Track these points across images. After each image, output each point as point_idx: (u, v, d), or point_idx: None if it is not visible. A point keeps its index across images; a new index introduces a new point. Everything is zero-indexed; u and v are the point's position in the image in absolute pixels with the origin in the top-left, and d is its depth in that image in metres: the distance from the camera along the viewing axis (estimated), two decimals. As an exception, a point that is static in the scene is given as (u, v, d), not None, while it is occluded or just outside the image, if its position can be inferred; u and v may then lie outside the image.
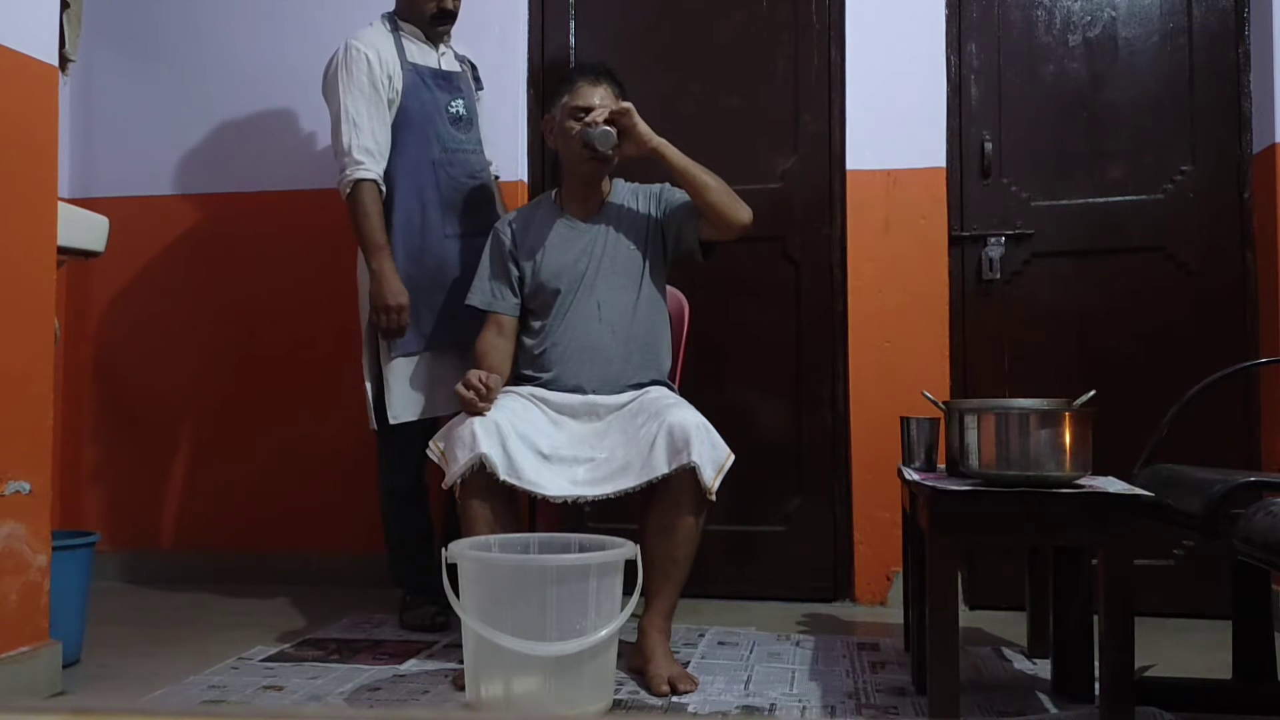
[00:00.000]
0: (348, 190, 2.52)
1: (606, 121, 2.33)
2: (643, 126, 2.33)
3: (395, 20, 2.66)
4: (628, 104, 2.34)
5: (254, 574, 3.22)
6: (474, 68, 2.83)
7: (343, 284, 3.22)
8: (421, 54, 2.66)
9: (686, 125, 3.09)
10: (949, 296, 2.91)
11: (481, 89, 2.83)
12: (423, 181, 2.58)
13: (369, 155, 2.51)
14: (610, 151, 2.34)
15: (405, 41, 2.64)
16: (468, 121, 2.68)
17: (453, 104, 2.64)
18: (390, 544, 2.71)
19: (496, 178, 2.83)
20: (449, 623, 2.53)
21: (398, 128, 2.57)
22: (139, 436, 3.37)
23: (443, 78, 2.66)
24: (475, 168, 2.68)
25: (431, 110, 2.60)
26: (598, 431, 2.28)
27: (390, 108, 2.56)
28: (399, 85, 2.56)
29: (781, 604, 2.91)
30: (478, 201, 2.68)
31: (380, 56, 2.55)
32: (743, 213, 2.34)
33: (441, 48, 2.71)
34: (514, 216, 2.51)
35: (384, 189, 2.55)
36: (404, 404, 2.57)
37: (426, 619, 2.57)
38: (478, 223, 2.65)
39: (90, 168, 3.42)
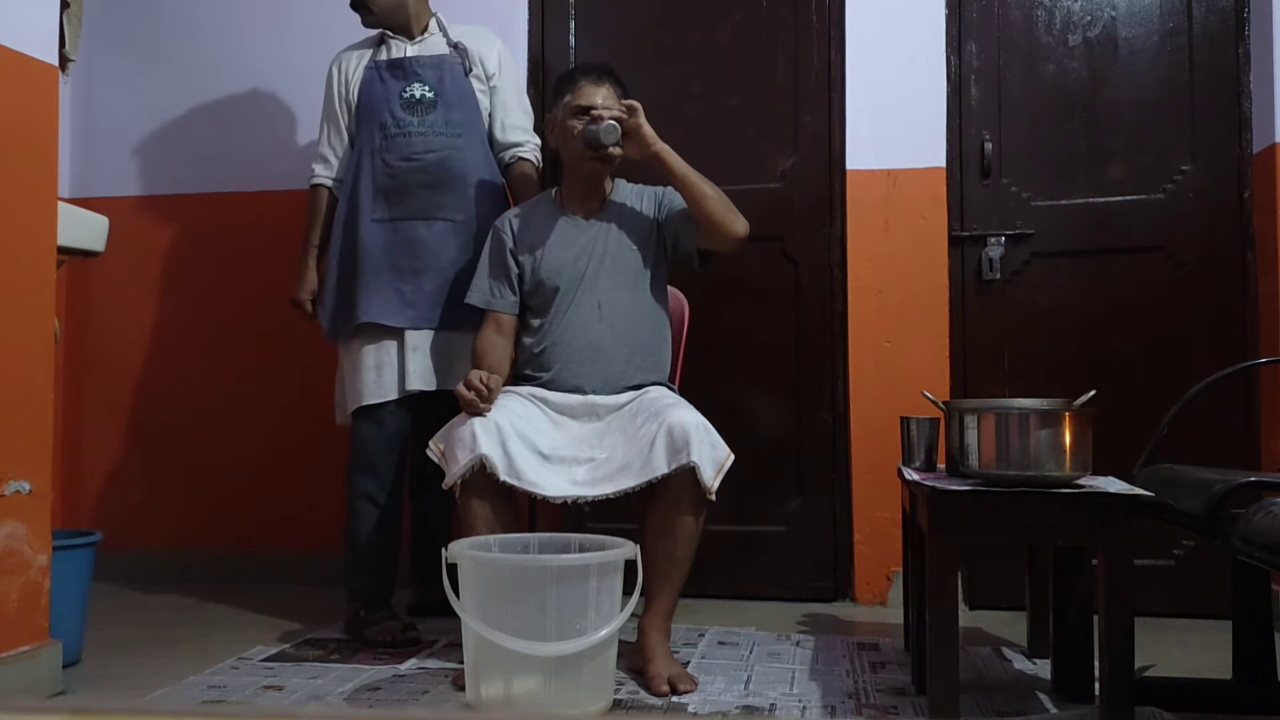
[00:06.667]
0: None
1: (613, 117, 2.33)
2: (647, 128, 2.32)
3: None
4: (635, 102, 2.34)
5: (254, 574, 3.22)
6: (468, 53, 2.67)
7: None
8: (397, 49, 2.66)
9: (687, 125, 3.10)
10: (949, 296, 2.91)
11: (470, 71, 2.66)
12: (360, 170, 2.61)
13: (322, 162, 2.72)
14: (613, 148, 2.33)
15: (391, 41, 2.67)
16: (429, 104, 2.59)
17: (407, 89, 2.59)
18: (355, 550, 2.55)
19: (519, 160, 2.73)
20: (419, 636, 2.45)
21: (357, 126, 2.66)
22: (139, 436, 3.38)
23: (397, 66, 2.62)
24: (416, 149, 2.56)
25: (379, 100, 2.61)
26: (597, 431, 2.28)
27: (349, 110, 2.68)
28: (355, 87, 2.66)
29: (781, 604, 2.91)
30: (415, 184, 2.56)
31: (342, 66, 2.69)
32: (738, 225, 2.33)
33: (421, 37, 2.67)
34: (514, 214, 2.51)
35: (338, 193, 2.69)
36: (347, 392, 2.59)
37: (396, 633, 2.42)
38: (413, 206, 2.56)
39: (90, 168, 3.43)
